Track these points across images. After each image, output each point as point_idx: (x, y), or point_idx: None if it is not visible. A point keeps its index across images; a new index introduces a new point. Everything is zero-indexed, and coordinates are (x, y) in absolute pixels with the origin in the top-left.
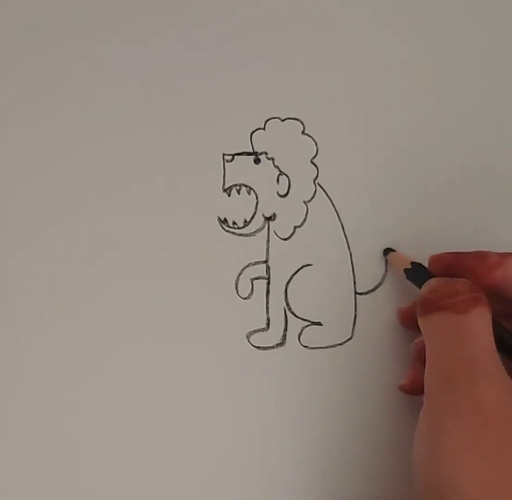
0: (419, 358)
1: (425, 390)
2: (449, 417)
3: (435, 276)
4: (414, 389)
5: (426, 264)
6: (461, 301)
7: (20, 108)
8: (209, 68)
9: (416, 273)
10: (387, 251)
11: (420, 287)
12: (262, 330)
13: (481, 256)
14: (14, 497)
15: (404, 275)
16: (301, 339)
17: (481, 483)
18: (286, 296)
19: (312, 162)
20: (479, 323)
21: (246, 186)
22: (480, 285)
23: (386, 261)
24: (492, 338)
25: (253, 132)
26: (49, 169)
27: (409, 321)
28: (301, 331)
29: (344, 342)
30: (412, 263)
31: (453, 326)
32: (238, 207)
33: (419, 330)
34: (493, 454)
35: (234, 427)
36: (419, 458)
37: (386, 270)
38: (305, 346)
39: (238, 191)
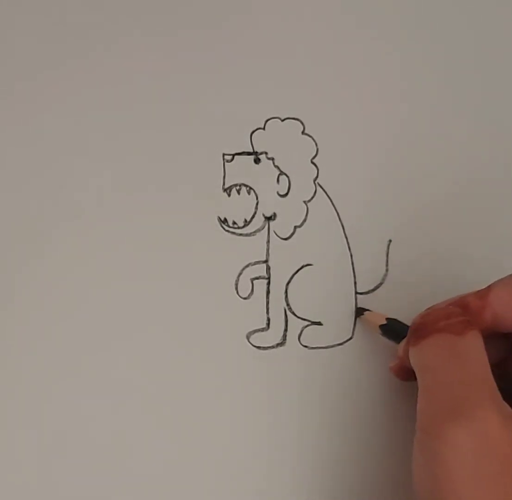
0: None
1: (418, 419)
2: (448, 447)
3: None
4: (400, 372)
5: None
6: (457, 322)
7: (19, 108)
8: (209, 68)
9: (394, 328)
10: (359, 311)
11: (398, 341)
12: (262, 330)
13: (462, 307)
14: (11, 495)
15: (379, 333)
16: (301, 339)
17: None
18: (286, 296)
19: (312, 162)
20: (476, 346)
21: (246, 186)
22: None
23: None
24: (487, 361)
25: (253, 132)
26: (49, 169)
27: (407, 372)
28: (301, 331)
29: (344, 342)
30: (388, 319)
31: (451, 347)
32: (238, 207)
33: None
34: (496, 482)
35: (234, 427)
36: (420, 487)
37: (387, 270)
38: (305, 346)
39: (238, 191)
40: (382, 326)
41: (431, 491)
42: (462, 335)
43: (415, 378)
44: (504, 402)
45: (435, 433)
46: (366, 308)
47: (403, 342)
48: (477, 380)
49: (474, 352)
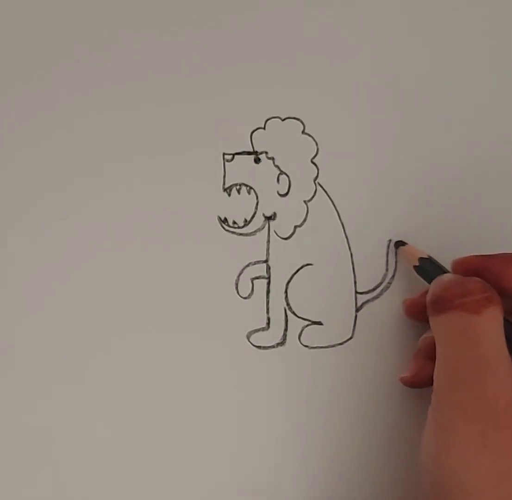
0: (426, 353)
1: (434, 386)
2: (457, 414)
3: (447, 271)
4: (415, 382)
5: (439, 260)
6: (473, 301)
7: (21, 107)
8: (209, 68)
9: (427, 268)
10: (398, 244)
11: (430, 282)
12: (263, 329)
13: (509, 258)
14: (10, 491)
15: (413, 270)
16: (301, 339)
17: (487, 479)
18: (286, 296)
19: (312, 162)
20: (491, 323)
21: (246, 185)
22: (509, 288)
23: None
24: (503, 338)
25: (253, 131)
26: (49, 169)
27: (415, 312)
28: (302, 330)
29: (345, 341)
30: (421, 258)
31: (464, 326)
32: (238, 207)
33: (426, 321)
34: (500, 451)
35: (234, 427)
36: (427, 453)
37: (387, 270)
38: (306, 346)
39: (238, 191)
40: (416, 266)
41: (435, 456)
42: (477, 314)
43: (419, 320)
44: None
45: (447, 400)
46: (405, 242)
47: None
48: (489, 357)
49: (487, 330)
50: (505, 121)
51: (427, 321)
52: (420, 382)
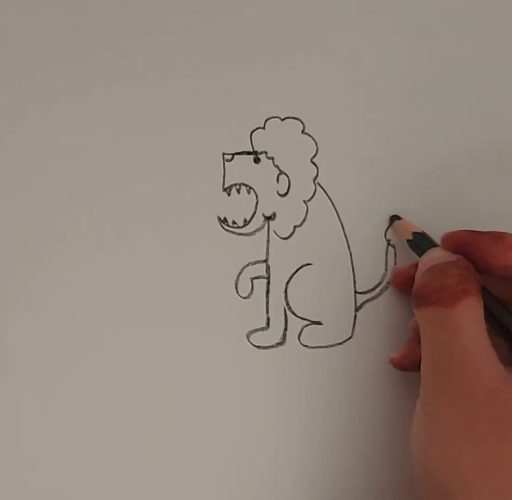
0: (415, 337)
1: (421, 378)
2: (443, 404)
3: (437, 245)
4: (403, 364)
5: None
6: (448, 295)
7: (20, 108)
8: (209, 68)
9: (419, 243)
10: (393, 218)
11: (420, 256)
12: (262, 329)
13: (497, 236)
14: (9, 491)
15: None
16: (301, 339)
17: (476, 468)
18: (286, 296)
19: (312, 162)
20: (467, 315)
21: (246, 185)
22: (494, 266)
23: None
24: (483, 327)
25: (253, 131)
26: (49, 169)
27: (402, 283)
28: (301, 330)
29: (344, 341)
30: (414, 233)
31: (441, 319)
32: (238, 207)
33: (409, 293)
34: (484, 440)
35: (234, 427)
36: (416, 444)
37: (386, 270)
38: (305, 346)
39: (238, 191)
40: (409, 241)
41: (424, 447)
42: (452, 307)
43: (405, 292)
44: (498, 364)
45: (433, 391)
46: (400, 217)
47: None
48: (469, 348)
49: (464, 322)
50: (501, 118)
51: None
52: (408, 364)
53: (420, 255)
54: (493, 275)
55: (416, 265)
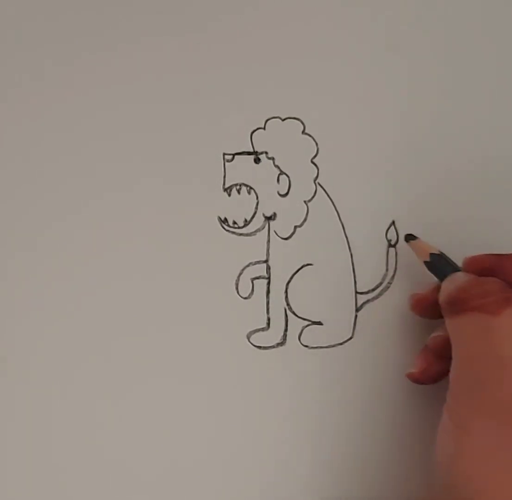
0: (435, 352)
1: (450, 387)
2: (475, 415)
3: (458, 268)
4: (421, 379)
5: (449, 254)
6: (492, 301)
7: (20, 107)
8: (210, 68)
9: (437, 264)
10: (408, 238)
11: (441, 279)
12: (263, 329)
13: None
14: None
15: (422, 264)
16: (301, 339)
17: (504, 481)
18: (286, 296)
19: (312, 162)
20: (510, 324)
21: (246, 185)
22: None
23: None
24: None
25: (253, 131)
26: (49, 169)
27: (423, 309)
28: (302, 330)
29: (345, 341)
30: (432, 254)
31: (484, 327)
32: (239, 207)
33: (433, 318)
34: None
35: (234, 427)
36: (442, 453)
37: (387, 270)
38: (306, 346)
39: (239, 191)
40: (426, 262)
41: (451, 456)
42: (496, 315)
43: (427, 316)
44: None
45: (465, 401)
46: (415, 236)
47: (440, 284)
48: (505, 358)
49: (507, 331)
50: (506, 118)
51: (435, 318)
52: (427, 379)
53: (440, 277)
54: None
55: (436, 289)
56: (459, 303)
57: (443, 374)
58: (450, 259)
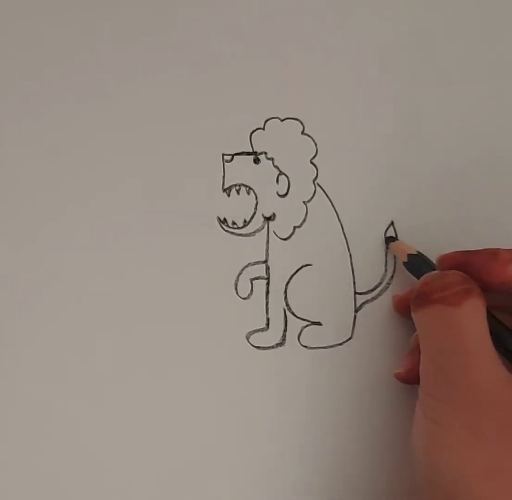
0: (419, 350)
1: (420, 381)
2: (445, 406)
3: (435, 268)
4: (408, 378)
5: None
6: (452, 293)
7: (20, 105)
8: (209, 68)
9: (415, 265)
10: (388, 240)
11: (418, 279)
12: (262, 330)
13: (491, 254)
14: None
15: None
16: (300, 339)
17: (480, 471)
18: (285, 296)
19: (311, 162)
20: (471, 315)
21: (245, 186)
22: (492, 283)
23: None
24: (486, 329)
25: (252, 132)
26: (46, 167)
27: (403, 308)
28: (301, 331)
29: (344, 342)
30: (409, 255)
31: (445, 318)
32: (238, 207)
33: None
34: (490, 441)
35: (234, 427)
36: (418, 448)
37: (386, 270)
38: (305, 346)
39: (238, 191)
40: (405, 263)
41: (427, 450)
42: (457, 306)
43: (407, 317)
44: (501, 366)
45: (434, 394)
46: (396, 238)
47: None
48: (472, 348)
49: (469, 322)
50: (507, 118)
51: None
52: (414, 378)
53: (418, 277)
54: (492, 291)
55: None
56: (422, 297)
57: None
58: (428, 259)
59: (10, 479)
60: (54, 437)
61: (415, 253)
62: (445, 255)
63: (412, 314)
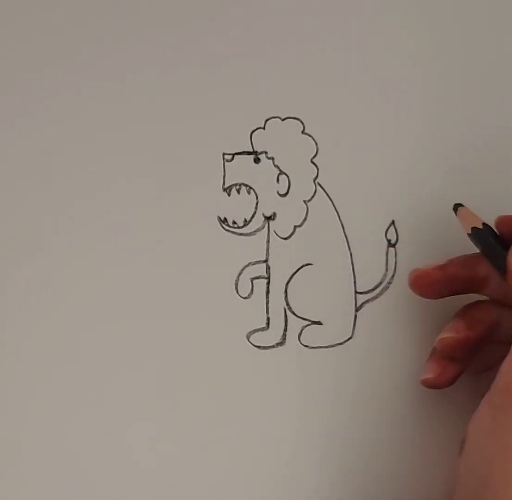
0: (445, 353)
1: (504, 383)
2: None
3: (508, 245)
4: (438, 383)
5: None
6: None
7: (20, 101)
8: (209, 67)
9: (484, 237)
10: (457, 206)
11: (485, 253)
12: (262, 329)
13: None
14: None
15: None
16: (301, 339)
17: None
18: (286, 296)
19: (312, 162)
20: None
21: (246, 185)
22: None
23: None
24: None
25: (253, 131)
26: (45, 166)
27: (422, 286)
28: (301, 330)
29: (345, 341)
30: (484, 224)
31: None
32: (238, 207)
33: (431, 296)
34: None
35: (234, 427)
36: (477, 454)
37: (386, 270)
38: (305, 346)
39: (238, 191)
40: (473, 232)
41: (490, 458)
42: None
43: (430, 295)
44: None
45: None
46: (462, 204)
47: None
48: None
49: None
50: (507, 119)
51: (433, 297)
52: (444, 383)
53: (483, 250)
54: None
55: (441, 267)
56: None
57: (457, 376)
58: (495, 232)
59: (10, 479)
60: (53, 437)
61: (480, 227)
62: (507, 217)
63: None
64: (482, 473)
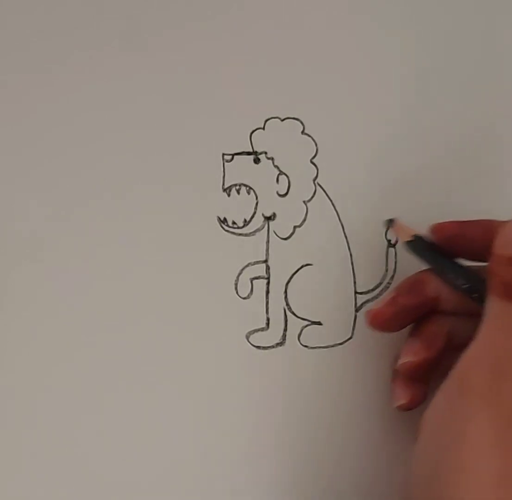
0: (409, 375)
1: (461, 374)
2: (484, 406)
3: (439, 249)
4: (413, 406)
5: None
6: None
7: (19, 102)
8: (209, 67)
9: (419, 246)
10: (389, 222)
11: (424, 261)
12: (262, 329)
13: (487, 224)
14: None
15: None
16: (301, 339)
17: (492, 478)
18: (286, 296)
19: (311, 162)
20: None
21: (245, 185)
22: (480, 255)
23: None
24: None
25: (252, 131)
26: (44, 168)
27: (382, 323)
28: (301, 330)
29: (344, 341)
30: (415, 236)
31: None
32: (238, 207)
33: (392, 330)
34: (509, 450)
35: (234, 427)
36: (431, 440)
37: (386, 270)
38: (305, 346)
39: (238, 191)
40: (408, 242)
41: (445, 445)
42: None
43: (391, 329)
44: None
45: (479, 391)
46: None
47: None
48: None
49: None
50: (507, 120)
51: (394, 331)
52: (417, 404)
53: (422, 257)
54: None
55: (390, 301)
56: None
57: (427, 392)
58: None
59: (10, 479)
60: (52, 438)
61: (414, 236)
62: (438, 225)
63: (506, 305)
64: (434, 460)
